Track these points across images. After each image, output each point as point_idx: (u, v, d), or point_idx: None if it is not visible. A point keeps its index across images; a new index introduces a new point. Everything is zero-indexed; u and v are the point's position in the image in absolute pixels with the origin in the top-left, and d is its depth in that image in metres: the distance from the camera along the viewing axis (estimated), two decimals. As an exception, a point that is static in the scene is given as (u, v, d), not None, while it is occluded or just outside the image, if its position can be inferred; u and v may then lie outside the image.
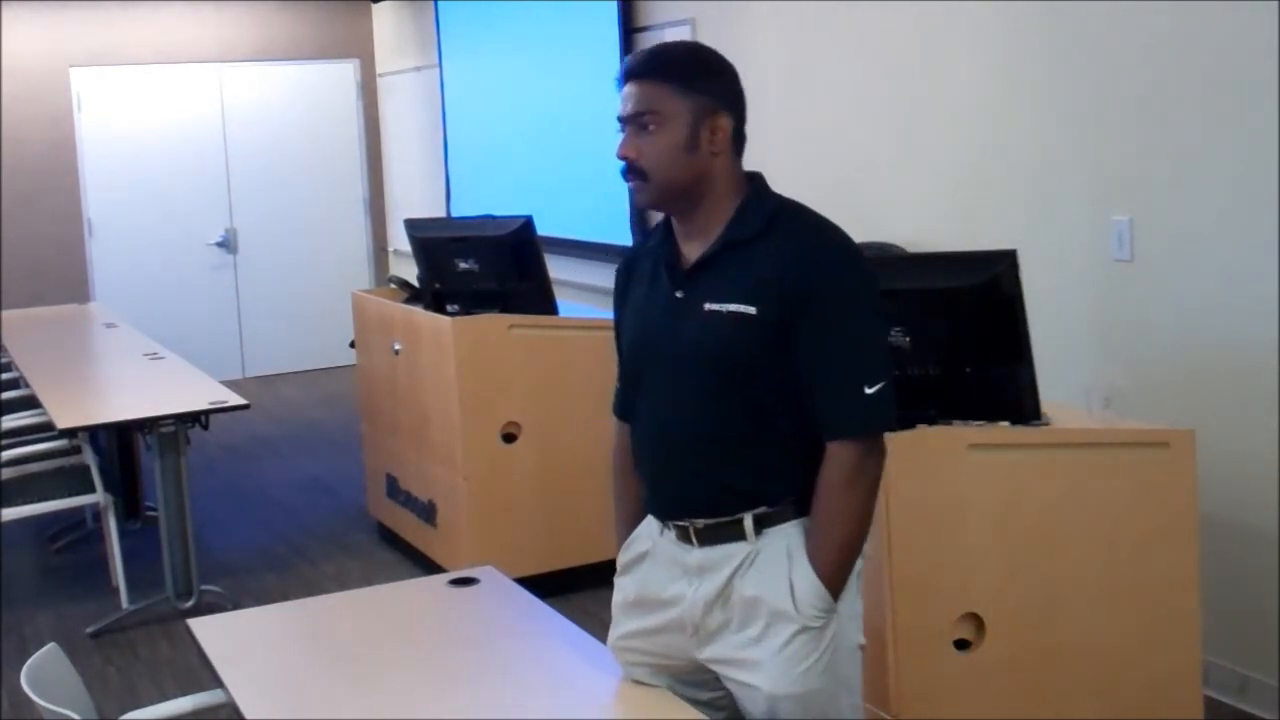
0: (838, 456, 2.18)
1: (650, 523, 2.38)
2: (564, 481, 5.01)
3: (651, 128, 2.23)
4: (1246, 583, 3.82)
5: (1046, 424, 3.08)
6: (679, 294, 2.27)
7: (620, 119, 2.30)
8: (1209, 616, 3.32)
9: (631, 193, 2.30)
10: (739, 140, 2.28)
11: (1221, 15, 3.78)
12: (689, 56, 2.32)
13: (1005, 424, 3.01)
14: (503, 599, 2.77)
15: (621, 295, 2.47)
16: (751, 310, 2.17)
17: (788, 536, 2.22)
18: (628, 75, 2.29)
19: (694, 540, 2.27)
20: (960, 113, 4.80)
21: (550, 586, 3.99)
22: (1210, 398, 3.89)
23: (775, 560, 2.21)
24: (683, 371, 2.26)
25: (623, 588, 2.44)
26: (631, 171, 2.27)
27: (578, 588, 4.85)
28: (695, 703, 2.34)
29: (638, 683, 2.38)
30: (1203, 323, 3.92)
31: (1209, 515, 3.59)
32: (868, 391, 2.16)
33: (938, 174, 4.93)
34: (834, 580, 2.19)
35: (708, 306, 2.22)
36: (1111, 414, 3.25)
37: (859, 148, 5.26)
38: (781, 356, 2.18)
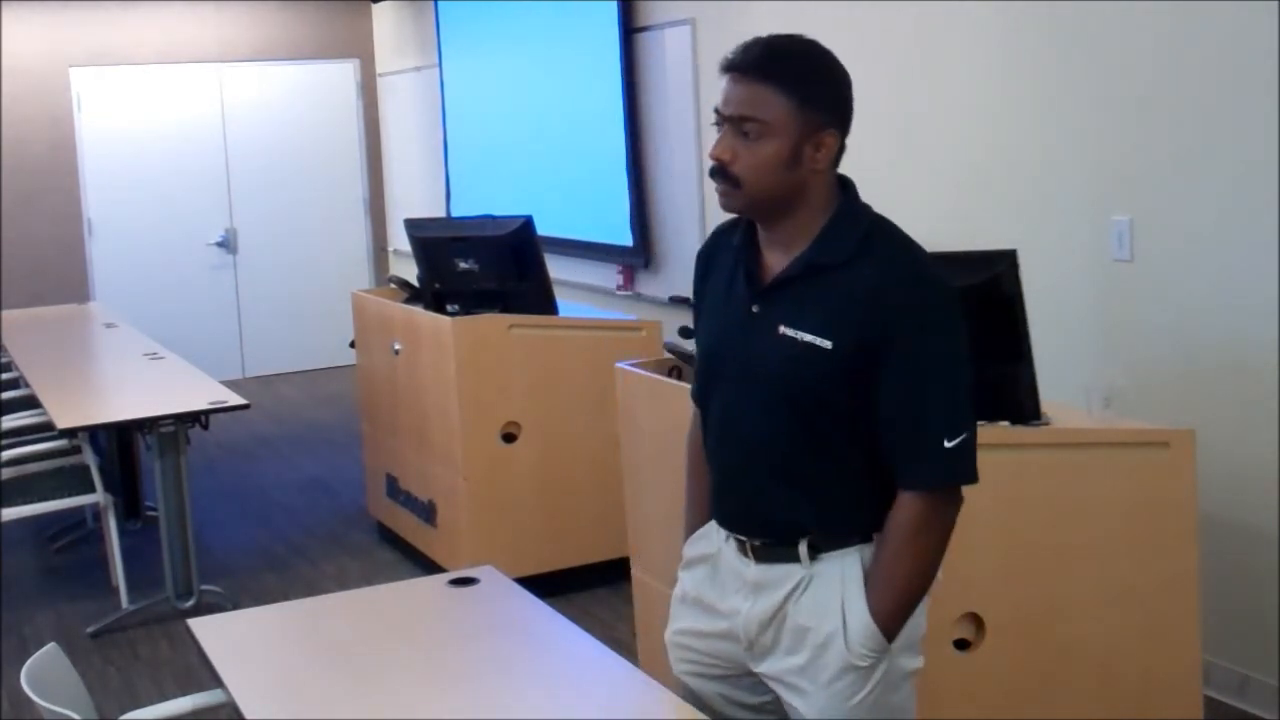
0: (909, 506, 2.10)
1: (717, 526, 2.32)
2: (564, 481, 5.01)
3: (753, 136, 2.08)
4: (1246, 583, 3.82)
5: (1046, 424, 3.08)
6: (755, 308, 2.15)
7: (719, 114, 2.14)
8: (1209, 616, 3.32)
9: (719, 195, 2.17)
10: (839, 155, 2.17)
11: (1221, 15, 3.78)
12: (808, 64, 2.16)
13: (1005, 424, 3.01)
14: (503, 599, 2.77)
15: (700, 284, 2.34)
16: (827, 344, 2.06)
17: (843, 564, 2.15)
18: (735, 68, 2.12)
19: (751, 555, 2.22)
20: (960, 113, 4.80)
21: (550, 586, 3.99)
22: (1210, 398, 3.89)
23: (829, 588, 2.15)
24: (750, 389, 2.17)
25: (684, 582, 2.37)
26: (722, 174, 2.12)
27: (578, 588, 4.86)
28: (744, 706, 2.31)
29: (684, 685, 2.35)
30: (1203, 323, 3.92)
31: (1209, 515, 3.59)
32: (947, 445, 2.07)
33: (938, 174, 4.93)
34: (890, 626, 2.12)
35: (782, 330, 2.11)
36: (1111, 414, 3.25)
37: (859, 148, 5.22)
38: (853, 391, 2.08)
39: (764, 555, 2.20)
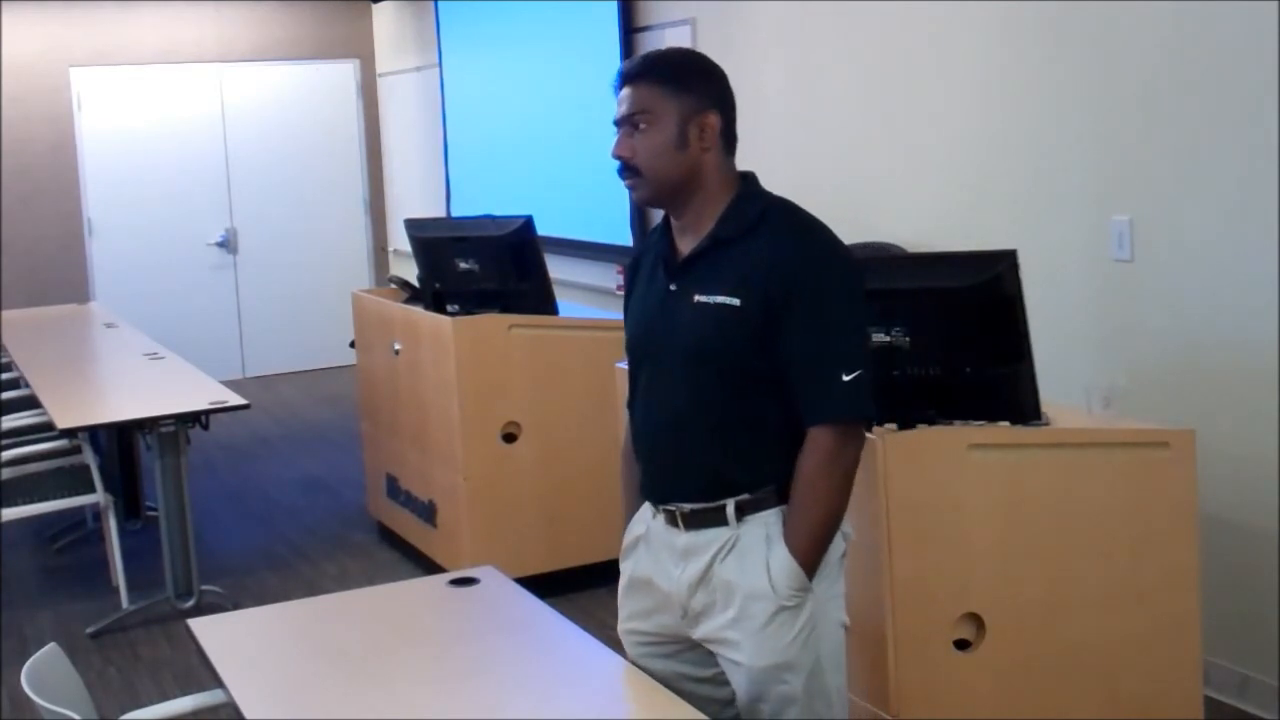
0: (815, 442, 2.27)
1: (647, 507, 2.48)
2: (564, 481, 5.01)
3: (643, 127, 2.34)
4: (1246, 583, 3.82)
5: (1046, 424, 3.08)
6: (672, 286, 2.37)
7: (615, 121, 2.41)
8: (1209, 616, 3.32)
9: (629, 190, 2.42)
10: (730, 139, 2.38)
11: (1221, 15, 3.78)
12: (677, 59, 2.43)
13: (1005, 424, 3.01)
14: (503, 599, 2.77)
15: (628, 293, 2.56)
16: (736, 302, 2.27)
17: (767, 524, 2.32)
18: (622, 79, 2.40)
19: (680, 524, 2.38)
20: (960, 113, 4.80)
21: (550, 586, 3.99)
22: (1210, 398, 3.89)
23: (754, 546, 2.31)
24: (673, 361, 2.36)
25: (624, 571, 2.55)
26: (627, 170, 2.38)
27: (578, 588, 4.86)
28: (698, 680, 2.44)
29: (642, 669, 2.43)
30: (1203, 323, 3.92)
31: (1209, 515, 3.59)
32: (844, 379, 2.25)
33: (938, 174, 4.93)
34: (808, 560, 2.29)
35: (697, 298, 2.32)
36: (1111, 414, 3.25)
37: (859, 147, 5.26)
38: (765, 348, 2.27)
39: (693, 521, 2.36)
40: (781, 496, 2.31)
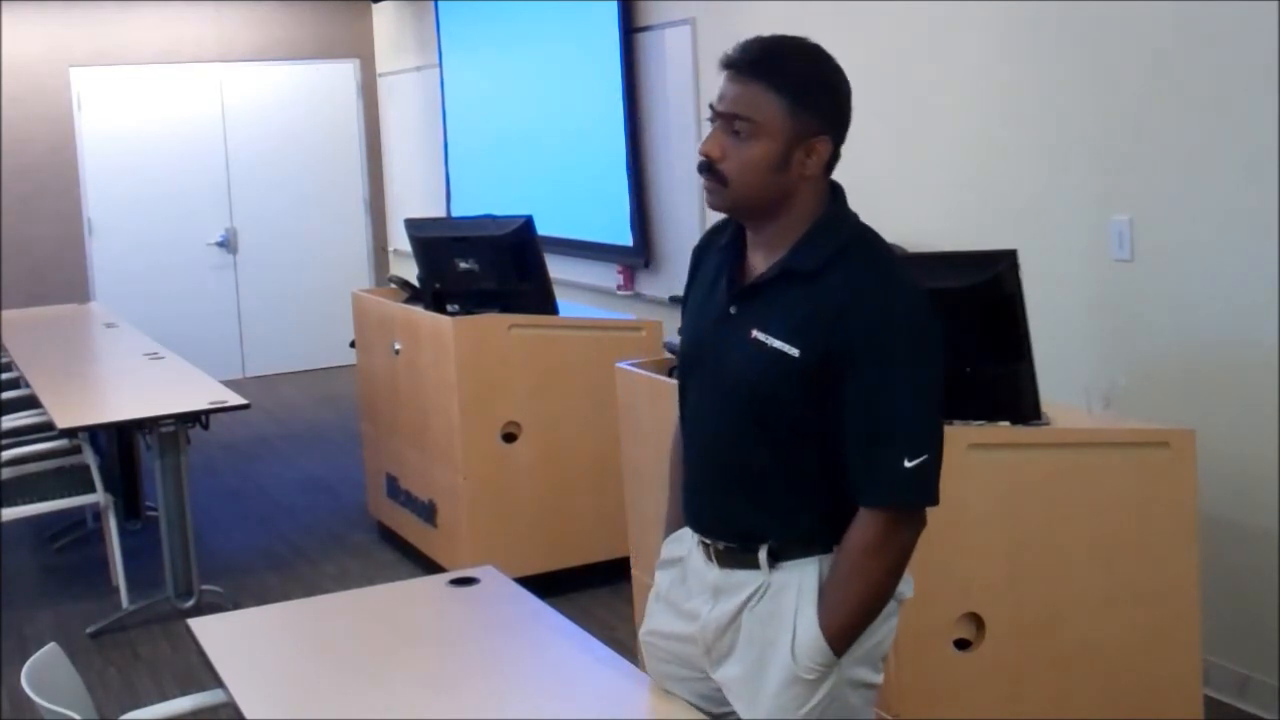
0: (866, 523, 2.06)
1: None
2: (564, 481, 5.01)
3: (743, 135, 2.06)
4: (1246, 583, 3.82)
5: (1046, 424, 3.08)
6: (732, 310, 2.14)
7: (713, 109, 2.12)
8: (1209, 616, 3.32)
9: (705, 192, 2.15)
10: (834, 162, 2.14)
11: (1221, 15, 3.78)
12: (805, 67, 2.13)
13: (1005, 424, 3.01)
14: (503, 599, 2.77)
15: (690, 282, 2.32)
16: (794, 352, 2.04)
17: (802, 573, 2.13)
18: (732, 65, 2.10)
19: (714, 560, 2.22)
20: (960, 113, 4.80)
21: (550, 586, 4.00)
22: (1210, 398, 3.89)
23: (784, 598, 2.13)
24: (719, 393, 2.17)
25: (659, 581, 2.36)
26: (710, 171, 2.09)
27: (578, 588, 4.86)
28: (710, 715, 2.31)
29: (659, 684, 2.35)
30: (1203, 323, 3.92)
31: (1209, 515, 3.59)
32: (907, 465, 2.02)
33: (938, 174, 4.93)
34: (838, 642, 2.09)
35: (754, 334, 2.09)
36: (1111, 414, 3.25)
37: (859, 147, 5.23)
38: (818, 403, 2.06)
39: (726, 560, 2.19)
40: (824, 545, 2.12)
